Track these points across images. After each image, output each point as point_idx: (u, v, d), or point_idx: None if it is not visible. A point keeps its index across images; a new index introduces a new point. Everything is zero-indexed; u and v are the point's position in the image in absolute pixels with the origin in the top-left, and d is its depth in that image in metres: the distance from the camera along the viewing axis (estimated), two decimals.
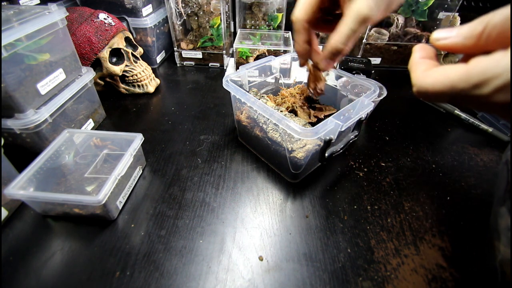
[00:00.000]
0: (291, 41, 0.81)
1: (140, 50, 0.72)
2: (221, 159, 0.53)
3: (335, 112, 0.42)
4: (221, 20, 0.79)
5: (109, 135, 0.50)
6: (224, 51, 0.84)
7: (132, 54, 0.68)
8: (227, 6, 0.84)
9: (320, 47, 0.39)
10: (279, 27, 0.89)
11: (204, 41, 0.83)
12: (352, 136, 0.48)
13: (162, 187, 0.47)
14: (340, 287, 0.34)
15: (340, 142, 0.47)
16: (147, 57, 0.83)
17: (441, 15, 0.82)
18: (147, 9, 0.78)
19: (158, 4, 0.84)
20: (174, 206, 0.44)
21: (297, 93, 0.53)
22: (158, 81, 0.75)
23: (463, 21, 0.81)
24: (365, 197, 0.46)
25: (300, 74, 0.60)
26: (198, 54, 0.85)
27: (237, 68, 0.83)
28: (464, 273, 0.36)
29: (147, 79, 0.71)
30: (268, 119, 0.44)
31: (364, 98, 0.44)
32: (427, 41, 0.84)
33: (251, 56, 0.81)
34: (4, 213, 0.41)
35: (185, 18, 0.80)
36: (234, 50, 0.81)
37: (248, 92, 0.47)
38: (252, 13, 0.88)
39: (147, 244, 0.39)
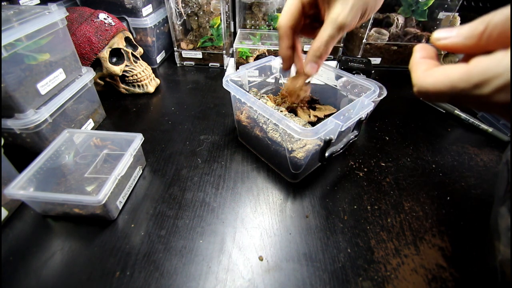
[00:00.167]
0: None
1: (140, 50, 0.72)
2: (221, 159, 0.53)
3: (335, 112, 0.42)
4: (221, 20, 0.79)
5: (109, 135, 0.50)
6: (224, 51, 0.84)
7: (132, 54, 0.68)
8: (227, 6, 0.84)
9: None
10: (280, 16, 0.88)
11: (204, 41, 0.83)
12: (352, 136, 0.48)
13: (162, 187, 0.47)
14: (340, 287, 0.34)
15: (340, 142, 0.47)
16: (147, 57, 0.83)
17: (441, 15, 0.82)
18: (147, 9, 0.78)
19: (158, 4, 0.84)
20: (174, 206, 0.44)
21: None
22: (158, 81, 0.75)
23: (463, 21, 0.81)
24: (365, 197, 0.46)
25: None
26: (198, 54, 0.85)
27: (237, 68, 0.83)
28: (464, 273, 0.36)
29: (147, 79, 0.71)
30: (268, 119, 0.44)
31: (364, 98, 0.44)
32: (427, 41, 0.84)
33: (251, 56, 0.81)
34: (4, 213, 0.41)
35: (185, 18, 0.80)
36: (234, 50, 0.81)
37: (248, 92, 0.47)
38: (252, 13, 0.88)
39: (147, 244, 0.39)
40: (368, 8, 0.34)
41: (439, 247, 0.39)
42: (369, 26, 0.81)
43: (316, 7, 0.36)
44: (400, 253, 0.38)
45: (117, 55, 0.66)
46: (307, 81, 0.43)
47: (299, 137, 0.38)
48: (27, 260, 0.37)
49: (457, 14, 0.81)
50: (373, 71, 0.68)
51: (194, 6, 0.78)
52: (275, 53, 0.79)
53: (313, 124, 0.47)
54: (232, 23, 0.95)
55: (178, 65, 0.88)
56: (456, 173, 0.51)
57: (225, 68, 0.87)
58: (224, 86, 0.48)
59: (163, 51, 0.90)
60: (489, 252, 0.34)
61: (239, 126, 0.54)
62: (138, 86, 0.70)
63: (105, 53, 0.62)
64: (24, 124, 0.44)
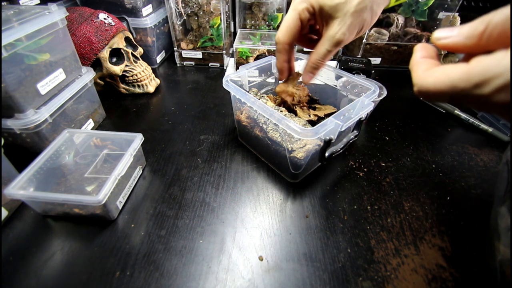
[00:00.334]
0: None
1: (140, 50, 0.72)
2: (221, 159, 0.53)
3: (335, 111, 0.42)
4: (221, 20, 0.79)
5: (109, 135, 0.50)
6: (224, 51, 0.84)
7: (132, 54, 0.68)
8: (227, 6, 0.84)
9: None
10: (279, 27, 0.88)
11: (204, 41, 0.83)
12: (352, 136, 0.48)
13: (162, 187, 0.47)
14: (340, 287, 0.34)
15: (340, 142, 0.47)
16: (147, 57, 0.83)
17: (441, 15, 0.82)
18: (147, 9, 0.78)
19: (158, 4, 0.84)
20: (174, 206, 0.44)
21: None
22: (158, 81, 0.75)
23: (463, 21, 0.81)
24: (365, 197, 0.46)
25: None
26: (198, 54, 0.85)
27: (237, 68, 0.83)
28: (464, 273, 0.36)
29: (147, 79, 0.71)
30: (268, 119, 0.44)
31: (364, 98, 0.44)
32: (427, 41, 0.84)
33: (251, 56, 0.81)
34: (4, 213, 0.41)
35: (185, 18, 0.80)
36: (234, 50, 0.81)
37: (248, 92, 0.47)
38: (252, 13, 0.88)
39: (147, 244, 0.39)
40: (364, 25, 0.36)
41: (439, 247, 0.39)
42: None
43: (314, 21, 0.38)
44: (400, 253, 0.38)
45: (117, 55, 0.66)
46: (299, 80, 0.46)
47: (299, 137, 0.38)
48: (27, 260, 0.37)
49: (457, 14, 0.81)
50: (373, 71, 0.68)
51: (194, 6, 0.78)
52: (275, 53, 0.79)
53: (313, 123, 0.47)
54: (232, 23, 0.95)
55: (178, 65, 0.88)
56: (456, 173, 0.51)
57: (225, 68, 0.87)
58: (224, 86, 0.48)
59: (163, 51, 0.90)
60: (489, 252, 0.34)
61: (239, 126, 0.54)
62: (138, 86, 0.70)
63: (105, 53, 0.62)
64: (24, 124, 0.44)
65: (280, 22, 0.87)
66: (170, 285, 0.34)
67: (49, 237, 0.39)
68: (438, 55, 0.23)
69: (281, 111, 0.45)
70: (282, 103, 0.49)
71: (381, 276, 0.36)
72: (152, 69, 0.75)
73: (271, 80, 0.60)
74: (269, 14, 0.87)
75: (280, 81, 0.48)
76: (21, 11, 0.46)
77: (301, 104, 0.50)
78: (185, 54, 0.85)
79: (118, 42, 0.65)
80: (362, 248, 0.39)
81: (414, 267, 0.37)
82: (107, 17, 0.64)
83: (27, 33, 0.42)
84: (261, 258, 0.37)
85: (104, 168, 0.47)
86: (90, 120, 0.59)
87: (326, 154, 0.43)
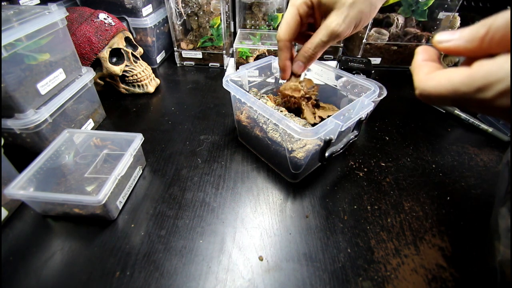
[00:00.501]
0: None
1: (140, 50, 0.72)
2: (221, 159, 0.53)
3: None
4: (221, 20, 0.79)
5: (109, 135, 0.50)
6: (224, 51, 0.84)
7: (132, 54, 0.68)
8: (227, 6, 0.84)
9: None
10: (279, 27, 0.88)
11: (204, 41, 0.83)
12: (352, 136, 0.48)
13: (162, 187, 0.47)
14: (340, 287, 0.34)
15: (340, 142, 0.47)
16: (147, 57, 0.83)
17: (441, 15, 0.82)
18: (147, 9, 0.78)
19: (158, 4, 0.84)
20: (174, 206, 0.44)
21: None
22: (158, 81, 0.75)
23: (463, 21, 0.81)
24: (365, 197, 0.46)
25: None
26: (198, 54, 0.85)
27: (237, 68, 0.83)
28: (464, 273, 0.36)
29: (147, 79, 0.71)
30: (268, 119, 0.44)
31: (364, 98, 0.44)
32: (427, 41, 0.84)
33: (251, 56, 0.81)
34: (4, 213, 0.41)
35: (185, 18, 0.80)
36: (234, 50, 0.81)
37: (248, 92, 0.47)
38: (252, 13, 0.88)
39: (147, 244, 0.39)
40: (362, 19, 0.35)
41: (439, 247, 0.39)
42: (369, 26, 0.81)
43: (313, 17, 0.38)
44: (400, 253, 0.38)
45: (117, 55, 0.66)
46: (301, 78, 0.47)
47: (299, 137, 0.38)
48: (27, 260, 0.37)
49: (457, 14, 0.81)
50: (373, 71, 0.68)
51: (194, 6, 0.78)
52: (275, 53, 0.79)
53: (314, 124, 0.47)
54: (232, 23, 0.95)
55: (178, 65, 0.88)
56: (456, 173, 0.51)
57: (225, 68, 0.87)
58: (224, 86, 0.48)
59: (163, 51, 0.90)
60: (489, 252, 0.34)
61: (239, 126, 0.54)
62: (138, 86, 0.70)
63: (105, 53, 0.62)
64: (24, 124, 0.44)
65: (280, 22, 0.87)
66: (170, 285, 0.34)
67: (49, 237, 0.39)
68: (440, 57, 0.23)
69: (281, 111, 0.45)
70: (284, 103, 0.49)
71: (381, 276, 0.36)
72: (152, 69, 0.75)
73: (271, 80, 0.60)
74: (269, 14, 0.87)
75: (282, 81, 0.47)
76: (21, 11, 0.46)
77: (310, 101, 0.49)
78: (185, 54, 0.85)
79: (118, 42, 0.65)
80: (362, 248, 0.39)
81: (414, 267, 0.37)
82: (107, 17, 0.64)
83: (27, 33, 0.42)
84: (261, 258, 0.37)
85: (104, 168, 0.47)
86: (90, 120, 0.59)
87: (326, 154, 0.43)
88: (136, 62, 0.69)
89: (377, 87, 0.47)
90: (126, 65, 0.67)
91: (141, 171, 0.50)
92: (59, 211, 0.41)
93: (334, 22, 0.34)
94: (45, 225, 0.41)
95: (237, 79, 0.51)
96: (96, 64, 0.63)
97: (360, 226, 0.41)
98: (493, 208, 0.34)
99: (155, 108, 0.67)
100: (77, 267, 0.36)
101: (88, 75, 0.56)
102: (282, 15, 0.86)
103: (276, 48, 0.79)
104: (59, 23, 0.49)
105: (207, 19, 0.80)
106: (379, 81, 0.58)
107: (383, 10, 0.85)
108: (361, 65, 0.68)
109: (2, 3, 0.55)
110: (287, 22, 0.37)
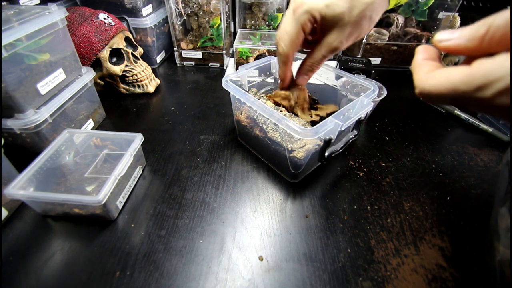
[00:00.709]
0: None
1: (140, 50, 0.72)
2: (221, 159, 0.53)
3: (337, 110, 0.42)
4: (221, 20, 0.79)
5: (109, 135, 0.50)
6: (224, 51, 0.84)
7: (132, 54, 0.68)
8: (227, 6, 0.84)
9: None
10: (278, 27, 0.88)
11: (204, 41, 0.83)
12: (351, 136, 0.48)
13: (162, 187, 0.47)
14: (340, 287, 0.34)
15: (340, 141, 0.47)
16: (147, 57, 0.83)
17: (441, 15, 0.82)
18: (147, 9, 0.78)
19: (158, 4, 0.84)
20: (174, 206, 0.44)
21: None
22: (158, 81, 0.75)
23: (463, 21, 0.81)
24: (365, 197, 0.46)
25: None
26: (198, 54, 0.85)
27: (237, 68, 0.83)
28: (464, 273, 0.36)
29: (147, 79, 0.71)
30: (268, 119, 0.44)
31: (364, 97, 0.44)
32: (427, 41, 0.84)
33: (251, 56, 0.81)
34: (4, 213, 0.41)
35: (185, 18, 0.80)
36: (234, 50, 0.81)
37: (247, 92, 0.47)
38: (252, 13, 0.88)
39: (147, 244, 0.39)
40: (362, 33, 0.37)
41: (439, 247, 0.39)
42: None
43: (314, 31, 0.38)
44: (400, 253, 0.38)
45: (117, 55, 0.66)
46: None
47: (299, 137, 0.38)
48: (27, 260, 0.37)
49: (457, 14, 0.81)
50: (373, 71, 0.68)
51: (194, 6, 0.78)
52: (275, 53, 0.79)
53: (314, 123, 0.47)
54: (232, 23, 0.95)
55: (178, 65, 0.88)
56: (456, 173, 0.51)
57: (225, 68, 0.87)
58: (224, 86, 0.48)
59: (163, 51, 0.90)
60: (489, 252, 0.34)
61: (238, 126, 0.54)
62: (138, 86, 0.70)
63: (105, 53, 0.62)
64: (24, 124, 0.44)
65: (280, 22, 0.87)
66: (170, 285, 0.34)
67: (49, 237, 0.39)
68: (440, 56, 0.23)
69: (280, 111, 0.45)
70: (280, 104, 0.49)
71: (381, 276, 0.36)
72: (152, 69, 0.75)
73: (270, 80, 0.60)
74: (269, 14, 0.87)
75: (282, 89, 0.47)
76: (21, 11, 0.46)
77: (301, 107, 0.49)
78: (185, 54, 0.85)
79: (118, 42, 0.65)
80: (362, 248, 0.39)
81: (414, 267, 0.37)
82: (107, 17, 0.64)
83: (27, 33, 0.42)
84: (261, 258, 0.37)
85: (104, 168, 0.47)
86: (90, 120, 0.59)
87: (326, 154, 0.43)
88: (136, 62, 0.69)
89: (376, 87, 0.47)
90: (126, 65, 0.67)
91: (141, 171, 0.50)
92: (59, 211, 0.41)
93: (336, 40, 0.36)
94: (45, 225, 0.41)
95: (236, 79, 0.51)
96: (96, 64, 0.63)
97: (360, 226, 0.41)
98: (493, 208, 0.34)
99: (155, 108, 0.67)
100: (77, 267, 0.36)
101: (88, 75, 0.56)
102: (282, 15, 0.86)
103: (276, 48, 0.79)
104: (59, 23, 0.49)
105: (207, 19, 0.80)
106: (379, 81, 0.58)
107: None
108: (361, 65, 0.68)
109: (2, 3, 0.55)
110: (291, 39, 0.37)
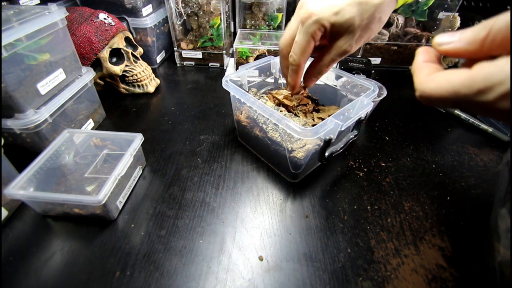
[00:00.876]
0: None
1: (140, 50, 0.72)
2: (221, 159, 0.53)
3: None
4: (221, 20, 0.79)
5: (109, 135, 0.50)
6: (224, 51, 0.84)
7: (132, 54, 0.68)
8: (227, 6, 0.84)
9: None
10: (279, 27, 0.88)
11: (204, 41, 0.83)
12: (351, 136, 0.48)
13: (162, 187, 0.47)
14: (340, 287, 0.34)
15: (340, 141, 0.47)
16: (147, 57, 0.83)
17: (441, 15, 0.82)
18: (147, 9, 0.78)
19: (158, 4, 0.84)
20: (174, 206, 0.44)
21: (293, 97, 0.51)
22: (158, 81, 0.75)
23: (463, 21, 0.81)
24: (365, 197, 0.46)
25: None
26: (198, 54, 0.85)
27: (237, 68, 0.83)
28: (464, 273, 0.36)
29: (147, 79, 0.71)
30: (268, 119, 0.44)
31: (364, 97, 0.44)
32: (427, 41, 0.84)
33: (251, 56, 0.81)
34: (4, 213, 0.41)
35: (185, 18, 0.80)
36: (234, 50, 0.81)
37: (247, 92, 0.47)
38: (252, 13, 0.88)
39: (147, 244, 0.39)
40: (371, 35, 0.37)
41: (439, 247, 0.39)
42: None
43: (323, 37, 0.38)
44: (400, 253, 0.38)
45: (117, 55, 0.66)
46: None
47: (299, 137, 0.38)
48: (27, 260, 0.37)
49: (457, 14, 0.81)
50: (373, 71, 0.68)
51: (194, 6, 0.78)
52: (275, 53, 0.79)
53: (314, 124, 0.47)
54: (232, 23, 0.95)
55: (178, 65, 0.88)
56: (456, 173, 0.51)
57: (225, 68, 0.87)
58: (224, 86, 0.48)
59: (163, 51, 0.90)
60: (489, 252, 0.34)
61: (238, 126, 0.54)
62: (138, 86, 0.70)
63: (105, 53, 0.62)
64: (24, 124, 0.44)
65: (280, 22, 0.87)
66: (170, 285, 0.34)
67: (49, 237, 0.39)
68: (440, 58, 0.23)
69: (280, 111, 0.45)
70: (281, 104, 0.49)
71: (381, 276, 0.36)
72: (152, 69, 0.75)
73: (270, 80, 0.60)
74: (269, 14, 0.87)
75: (281, 81, 0.47)
76: (21, 11, 0.46)
77: (304, 109, 0.49)
78: (185, 54, 0.85)
79: (118, 42, 0.65)
80: (362, 248, 0.39)
81: (414, 267, 0.37)
82: (107, 17, 0.64)
83: (27, 33, 0.42)
84: (261, 258, 0.37)
85: (104, 168, 0.47)
86: (90, 120, 0.59)
87: (326, 154, 0.43)
88: (136, 62, 0.69)
89: (376, 87, 0.47)
90: (126, 65, 0.67)
91: (141, 171, 0.50)
92: (59, 211, 0.41)
93: (346, 44, 0.36)
94: (45, 225, 0.41)
95: (236, 79, 0.51)
96: (96, 64, 0.63)
97: (360, 226, 0.41)
98: (493, 209, 0.34)
99: (155, 108, 0.67)
100: (77, 267, 0.36)
101: (88, 75, 0.56)
102: (282, 15, 0.86)
103: (276, 48, 0.79)
104: (59, 23, 0.49)
105: (207, 19, 0.80)
106: (379, 81, 0.58)
107: None
108: (361, 65, 0.68)
109: (2, 3, 0.55)
110: (303, 50, 0.37)
